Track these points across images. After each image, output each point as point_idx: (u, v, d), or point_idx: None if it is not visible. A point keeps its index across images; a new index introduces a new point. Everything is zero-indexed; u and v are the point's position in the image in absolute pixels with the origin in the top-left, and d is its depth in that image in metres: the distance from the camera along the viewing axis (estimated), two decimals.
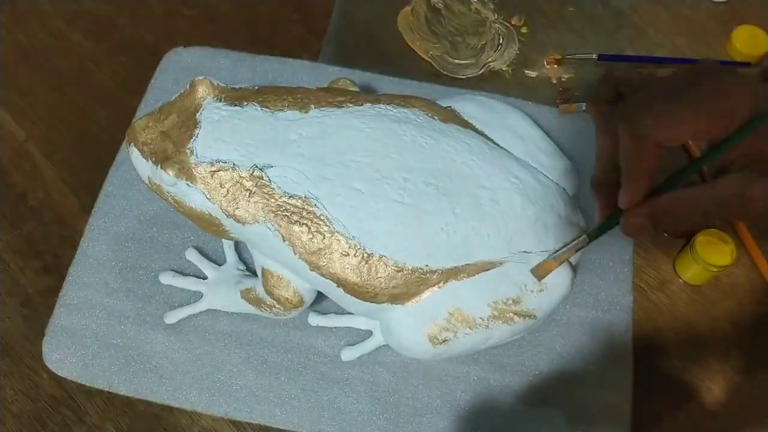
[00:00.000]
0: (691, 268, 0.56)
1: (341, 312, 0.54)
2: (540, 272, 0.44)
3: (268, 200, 0.45)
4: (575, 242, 0.40)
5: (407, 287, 0.46)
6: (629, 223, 0.36)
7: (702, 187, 0.35)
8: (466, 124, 0.51)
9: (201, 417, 0.52)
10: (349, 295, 0.46)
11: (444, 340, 0.47)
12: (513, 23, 0.69)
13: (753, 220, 0.35)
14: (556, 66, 0.67)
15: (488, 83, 0.66)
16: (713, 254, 0.54)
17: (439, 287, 0.47)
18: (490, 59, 0.67)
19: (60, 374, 0.52)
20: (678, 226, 0.35)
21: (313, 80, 0.63)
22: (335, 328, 0.54)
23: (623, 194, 0.37)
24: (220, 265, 0.56)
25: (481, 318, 0.47)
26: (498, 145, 0.51)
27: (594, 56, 0.67)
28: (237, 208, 0.45)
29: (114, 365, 0.52)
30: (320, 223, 0.45)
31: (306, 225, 0.45)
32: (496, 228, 0.47)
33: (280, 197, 0.45)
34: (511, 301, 0.47)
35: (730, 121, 0.32)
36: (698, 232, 0.55)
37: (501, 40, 0.68)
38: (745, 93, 0.32)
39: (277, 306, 0.49)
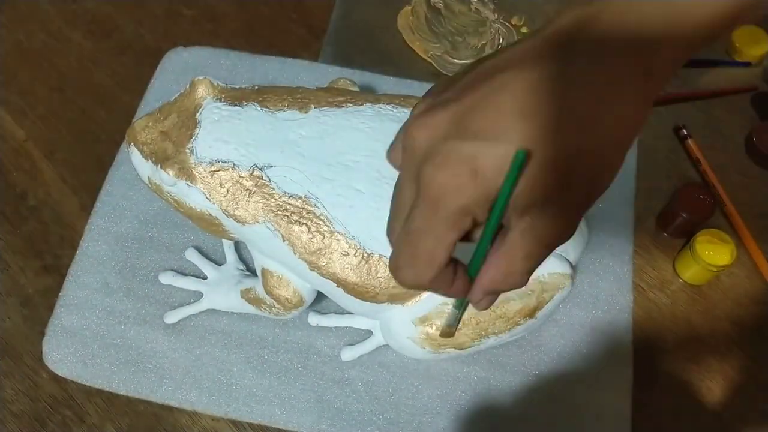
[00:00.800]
0: (690, 268, 0.56)
1: (341, 312, 0.54)
2: (445, 333, 0.42)
3: (267, 200, 0.45)
4: (457, 313, 0.39)
5: None
6: (482, 306, 0.34)
7: (501, 251, 0.31)
8: None
9: (201, 417, 0.52)
10: (349, 295, 0.46)
11: (444, 341, 0.47)
12: (513, 23, 0.69)
13: (565, 239, 0.33)
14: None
15: None
16: (713, 254, 0.54)
17: None
18: None
19: (60, 374, 0.52)
20: (522, 279, 0.32)
21: (313, 80, 0.63)
22: (335, 328, 0.54)
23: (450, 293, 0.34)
24: (220, 265, 0.56)
25: (481, 318, 0.47)
26: None
27: None
28: (237, 207, 0.45)
29: (114, 365, 0.52)
30: (320, 222, 0.45)
31: (306, 225, 0.45)
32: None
33: (280, 197, 0.45)
34: (511, 301, 0.47)
35: (471, 217, 0.29)
36: (698, 232, 0.55)
37: (501, 40, 0.68)
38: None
39: (276, 306, 0.49)
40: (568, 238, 0.31)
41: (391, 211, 0.33)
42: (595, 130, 0.28)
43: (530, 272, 0.32)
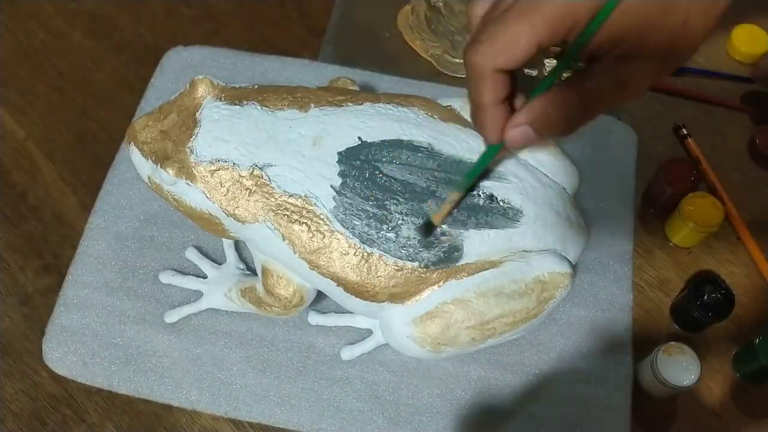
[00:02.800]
0: (680, 231, 0.57)
1: (341, 311, 0.54)
2: (423, 231, 0.43)
3: (267, 199, 0.45)
4: (451, 198, 0.39)
5: (407, 286, 0.46)
6: (509, 138, 0.36)
7: (574, 80, 0.34)
8: (466, 123, 0.51)
9: (201, 416, 0.52)
10: (349, 294, 0.46)
11: (444, 340, 0.47)
12: None
13: (629, 101, 0.35)
14: (556, 62, 0.67)
15: None
16: (702, 216, 0.55)
17: (439, 286, 0.47)
18: None
19: (60, 373, 0.52)
20: (565, 126, 0.34)
21: (313, 79, 0.63)
22: (335, 327, 0.54)
23: (484, 130, 0.36)
24: (220, 264, 0.56)
25: (480, 317, 0.47)
26: None
27: None
28: (237, 207, 0.45)
29: (114, 364, 0.52)
30: (320, 222, 0.45)
31: (306, 224, 0.45)
32: (496, 227, 0.47)
33: (280, 196, 0.45)
34: (511, 300, 0.47)
35: (573, 20, 0.31)
36: (688, 194, 0.56)
37: None
38: None
39: (276, 305, 0.49)
40: (630, 100, 0.33)
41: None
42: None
43: (581, 122, 0.34)
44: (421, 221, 0.45)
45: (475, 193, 0.47)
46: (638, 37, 0.32)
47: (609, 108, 0.35)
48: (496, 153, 0.37)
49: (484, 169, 0.39)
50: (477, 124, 0.38)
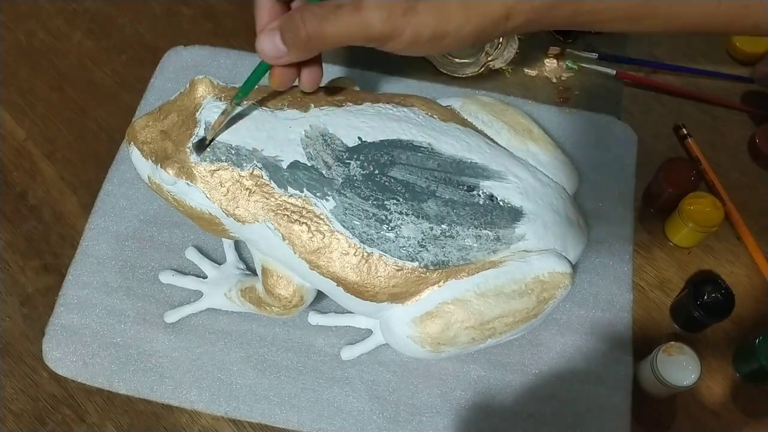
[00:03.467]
0: (680, 231, 0.57)
1: (341, 311, 0.54)
2: (198, 147, 0.44)
3: (267, 199, 0.45)
4: (224, 109, 0.42)
5: (407, 286, 0.46)
6: (260, 45, 0.38)
7: (341, 9, 0.36)
8: (465, 123, 0.51)
9: (201, 416, 0.52)
10: (349, 294, 0.46)
11: (444, 340, 0.47)
12: None
13: (372, 42, 0.38)
14: (556, 62, 0.67)
15: (488, 82, 0.66)
16: (702, 216, 0.55)
17: (439, 286, 0.47)
18: (489, 58, 0.67)
19: (60, 373, 0.52)
20: (304, 43, 0.37)
21: None
22: (335, 327, 0.54)
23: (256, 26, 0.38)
24: (220, 264, 0.56)
25: (480, 317, 0.47)
26: (497, 143, 0.51)
27: (594, 55, 0.67)
28: (237, 207, 0.45)
29: (114, 364, 0.52)
30: (320, 222, 0.45)
31: (306, 224, 0.45)
32: (496, 226, 0.47)
33: (280, 196, 0.45)
34: (511, 300, 0.47)
35: None
36: (686, 195, 0.56)
37: (501, 40, 0.68)
38: None
39: (276, 305, 0.49)
40: (387, 43, 0.37)
41: None
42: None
43: (318, 43, 0.37)
44: (417, 219, 0.45)
45: (475, 192, 0.47)
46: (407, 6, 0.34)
47: (352, 41, 0.37)
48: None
49: (257, 82, 0.41)
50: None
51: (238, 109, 0.45)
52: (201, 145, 0.44)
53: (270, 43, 0.38)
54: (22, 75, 0.65)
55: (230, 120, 0.45)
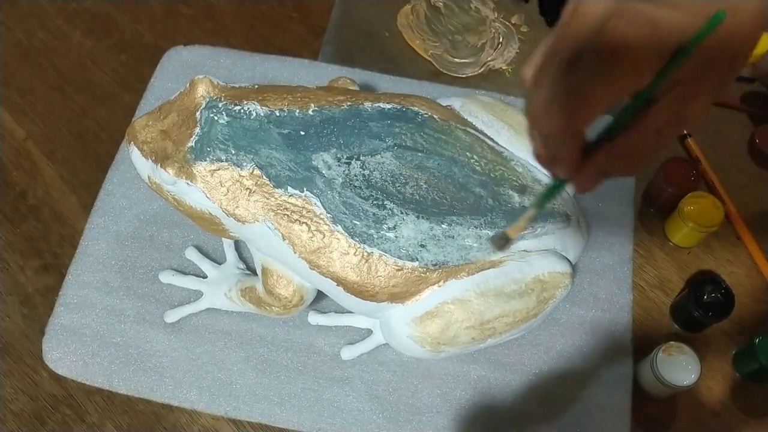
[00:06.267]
0: (680, 231, 0.57)
1: (341, 311, 0.54)
2: (499, 243, 0.43)
3: (267, 199, 0.45)
4: (528, 214, 0.40)
5: (407, 286, 0.46)
6: (580, 187, 0.38)
7: (635, 126, 0.35)
8: (465, 123, 0.51)
9: (201, 416, 0.52)
10: (349, 294, 0.46)
11: (444, 339, 0.47)
12: (513, 22, 0.69)
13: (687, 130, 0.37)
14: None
15: (488, 82, 0.66)
16: (702, 216, 0.55)
17: (439, 286, 0.47)
18: (490, 58, 0.67)
19: (60, 373, 0.52)
20: (632, 171, 0.36)
21: (313, 79, 0.63)
22: (335, 327, 0.54)
23: (561, 171, 0.37)
24: (220, 263, 0.56)
25: (481, 316, 0.47)
26: (498, 143, 0.51)
27: None
28: (237, 206, 0.45)
29: (114, 364, 0.52)
30: (320, 221, 0.45)
31: (306, 224, 0.45)
32: (496, 227, 0.47)
33: (280, 196, 0.45)
34: (511, 300, 0.47)
35: (636, 77, 0.32)
36: (686, 194, 0.56)
37: (501, 39, 0.68)
38: (643, 46, 0.32)
39: (276, 305, 0.49)
40: (697, 121, 0.34)
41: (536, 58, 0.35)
42: (740, 14, 0.32)
43: (650, 157, 0.35)
44: (417, 218, 0.45)
45: (475, 192, 0.47)
46: (697, 78, 0.33)
47: (670, 143, 0.36)
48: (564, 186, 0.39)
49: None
50: (541, 163, 0.38)
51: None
52: (504, 243, 0.41)
53: (593, 184, 0.37)
54: (22, 75, 0.65)
55: (231, 120, 0.45)
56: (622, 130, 0.35)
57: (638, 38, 0.31)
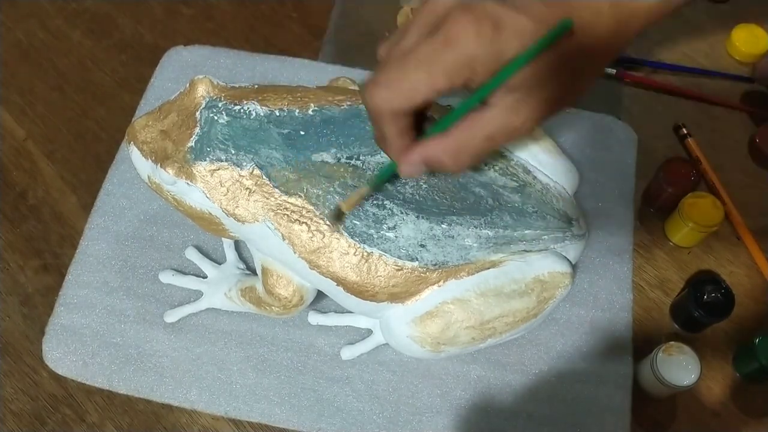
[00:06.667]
0: (680, 230, 0.57)
1: (341, 311, 0.54)
2: (332, 217, 0.44)
3: (267, 199, 0.45)
4: (361, 191, 0.42)
5: (407, 286, 0.46)
6: (403, 171, 0.38)
7: (466, 125, 0.35)
8: None
9: (201, 415, 0.52)
10: (349, 294, 0.46)
11: (444, 340, 0.47)
12: None
13: (517, 139, 0.37)
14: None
15: None
16: (702, 216, 0.55)
17: (439, 286, 0.47)
18: None
19: (60, 373, 0.52)
20: (456, 167, 0.36)
21: (313, 79, 0.63)
22: (335, 326, 0.54)
23: (389, 152, 0.38)
24: (220, 263, 0.56)
25: (480, 316, 0.47)
26: None
27: None
28: (237, 206, 0.45)
29: (114, 364, 0.52)
30: (320, 221, 0.45)
31: (306, 224, 0.45)
32: (496, 226, 0.47)
33: (280, 196, 0.45)
34: (511, 300, 0.47)
35: (470, 71, 0.32)
36: (687, 194, 0.56)
37: None
38: (482, 38, 0.31)
39: (276, 305, 0.49)
40: (527, 133, 0.34)
41: (390, 40, 0.35)
42: (592, 33, 0.32)
43: (476, 158, 0.35)
44: (417, 218, 0.45)
45: (475, 192, 0.47)
46: (534, 88, 0.32)
47: (499, 147, 0.36)
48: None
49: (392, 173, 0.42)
50: (379, 146, 0.40)
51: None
52: (338, 217, 0.44)
53: (417, 172, 0.38)
54: (22, 75, 0.65)
55: (231, 120, 0.45)
56: (453, 127, 0.34)
57: (475, 35, 0.30)
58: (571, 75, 0.33)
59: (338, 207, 0.43)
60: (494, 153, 0.50)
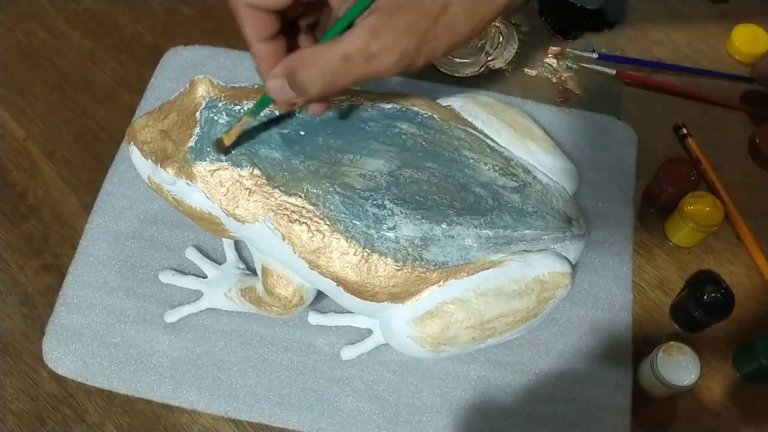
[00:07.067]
0: (680, 230, 0.57)
1: (341, 311, 0.54)
2: (215, 148, 0.44)
3: (267, 199, 0.45)
4: (241, 121, 0.43)
5: (407, 286, 0.46)
6: (268, 87, 0.37)
7: (328, 42, 0.34)
8: (465, 123, 0.51)
9: (201, 416, 0.52)
10: (349, 294, 0.46)
11: (444, 340, 0.47)
12: (513, 22, 0.69)
13: (377, 77, 0.34)
14: (556, 62, 0.67)
15: (488, 82, 0.66)
16: (702, 216, 0.55)
17: (439, 286, 0.47)
18: (489, 58, 0.67)
19: (60, 373, 0.52)
20: (310, 79, 0.35)
21: None
22: (335, 326, 0.54)
23: (258, 66, 0.37)
24: (220, 263, 0.56)
25: (480, 316, 0.47)
26: (497, 143, 0.51)
27: (594, 55, 0.67)
28: (237, 206, 0.45)
29: (114, 364, 0.52)
30: (320, 221, 0.45)
31: (306, 224, 0.45)
32: (496, 226, 0.47)
33: (280, 196, 0.45)
34: (511, 300, 0.47)
35: None
36: (687, 193, 0.56)
37: (501, 39, 0.68)
38: None
39: (276, 305, 0.49)
40: (389, 72, 0.33)
41: None
42: None
43: (331, 81, 0.34)
44: (417, 218, 0.45)
45: (475, 192, 0.47)
46: (388, 12, 0.31)
47: (360, 80, 0.34)
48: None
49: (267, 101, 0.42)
50: (257, 66, 0.39)
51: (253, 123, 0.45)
52: (219, 147, 0.44)
53: (281, 93, 0.37)
54: (22, 75, 0.65)
55: (231, 120, 0.45)
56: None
57: None
58: (433, 9, 0.32)
59: (221, 139, 0.43)
60: (494, 153, 0.50)
